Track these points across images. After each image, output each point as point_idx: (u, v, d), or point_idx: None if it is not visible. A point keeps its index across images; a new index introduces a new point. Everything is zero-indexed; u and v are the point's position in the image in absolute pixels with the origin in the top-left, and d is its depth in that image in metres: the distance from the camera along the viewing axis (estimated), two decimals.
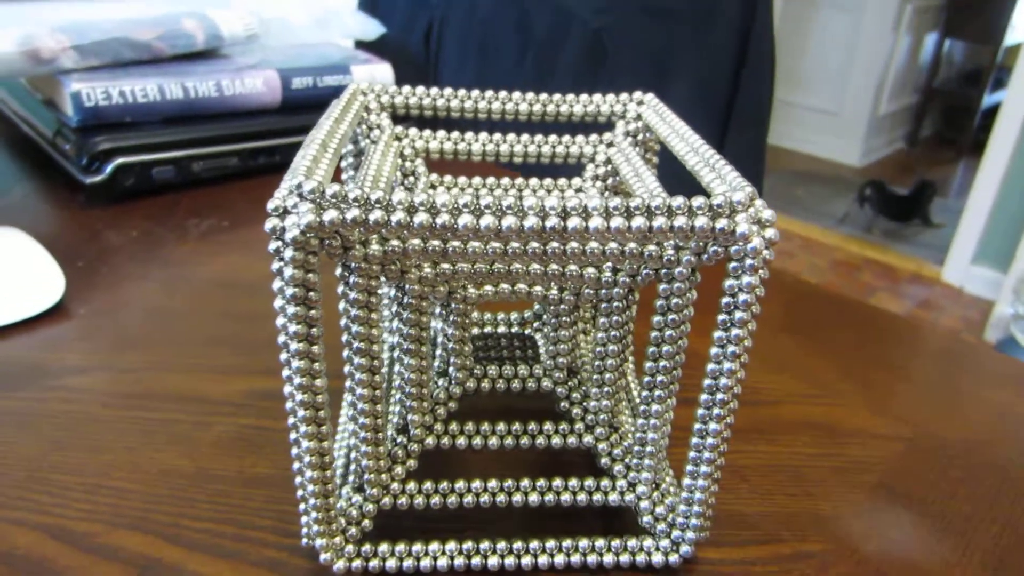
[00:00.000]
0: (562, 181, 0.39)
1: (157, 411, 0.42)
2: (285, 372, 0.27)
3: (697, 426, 0.30)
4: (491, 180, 0.39)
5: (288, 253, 0.25)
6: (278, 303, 0.26)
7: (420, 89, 0.38)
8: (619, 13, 0.82)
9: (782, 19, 3.31)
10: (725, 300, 0.27)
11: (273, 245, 0.25)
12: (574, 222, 0.25)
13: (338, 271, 0.27)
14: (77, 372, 0.45)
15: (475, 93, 0.38)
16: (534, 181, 0.39)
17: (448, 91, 0.38)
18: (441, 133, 0.38)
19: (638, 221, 0.25)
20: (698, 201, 0.25)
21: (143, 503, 0.36)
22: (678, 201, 0.25)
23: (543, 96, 0.39)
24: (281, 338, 0.27)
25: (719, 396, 0.29)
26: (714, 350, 0.28)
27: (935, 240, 2.99)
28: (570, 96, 0.39)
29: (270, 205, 0.25)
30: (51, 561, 0.32)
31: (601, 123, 0.39)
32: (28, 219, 0.62)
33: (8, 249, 0.54)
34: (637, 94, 0.39)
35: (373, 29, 0.92)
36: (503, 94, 0.38)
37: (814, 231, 3.06)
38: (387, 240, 0.27)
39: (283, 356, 0.27)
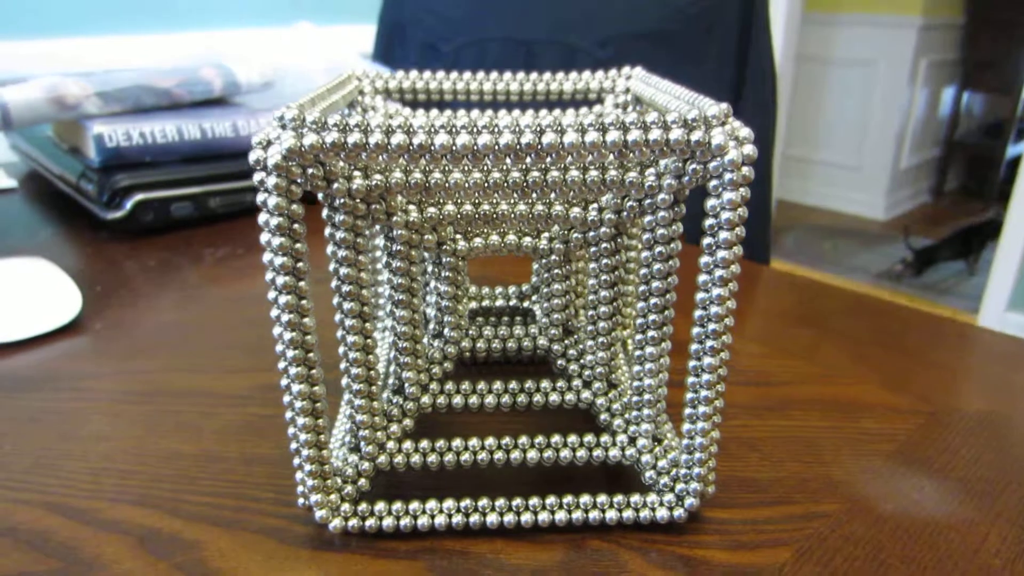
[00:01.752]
0: None
1: (164, 405, 0.42)
2: (274, 312, 0.28)
3: (691, 363, 0.30)
4: None
5: (271, 181, 0.25)
6: (264, 237, 0.27)
7: (413, 73, 0.39)
8: (620, 43, 0.84)
9: (796, 77, 3.35)
10: (708, 222, 0.27)
11: (257, 177, 0.26)
12: (549, 137, 0.25)
13: (324, 212, 0.28)
14: (89, 377, 0.45)
15: (467, 75, 0.40)
16: None
17: (440, 74, 0.40)
18: (434, 112, 0.39)
19: (613, 135, 0.25)
20: (672, 116, 0.26)
21: (146, 482, 0.36)
22: (652, 116, 0.26)
23: (533, 75, 0.40)
24: (268, 275, 0.27)
25: (711, 327, 0.28)
26: (702, 277, 0.28)
27: (968, 289, 2.94)
28: (559, 74, 0.40)
29: (254, 139, 0.26)
30: (54, 533, 0.32)
31: (592, 99, 0.40)
32: (52, 254, 0.63)
33: (30, 273, 0.56)
34: (626, 69, 0.40)
35: None
36: (494, 75, 0.40)
37: (844, 283, 3.03)
38: (370, 175, 0.27)
39: (271, 294, 0.27)
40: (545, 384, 0.33)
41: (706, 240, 0.27)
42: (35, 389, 0.44)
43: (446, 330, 0.33)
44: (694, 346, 0.29)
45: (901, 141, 3.47)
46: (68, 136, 0.76)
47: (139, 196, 0.68)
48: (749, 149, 0.26)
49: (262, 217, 0.26)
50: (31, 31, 1.30)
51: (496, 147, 0.25)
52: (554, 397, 0.33)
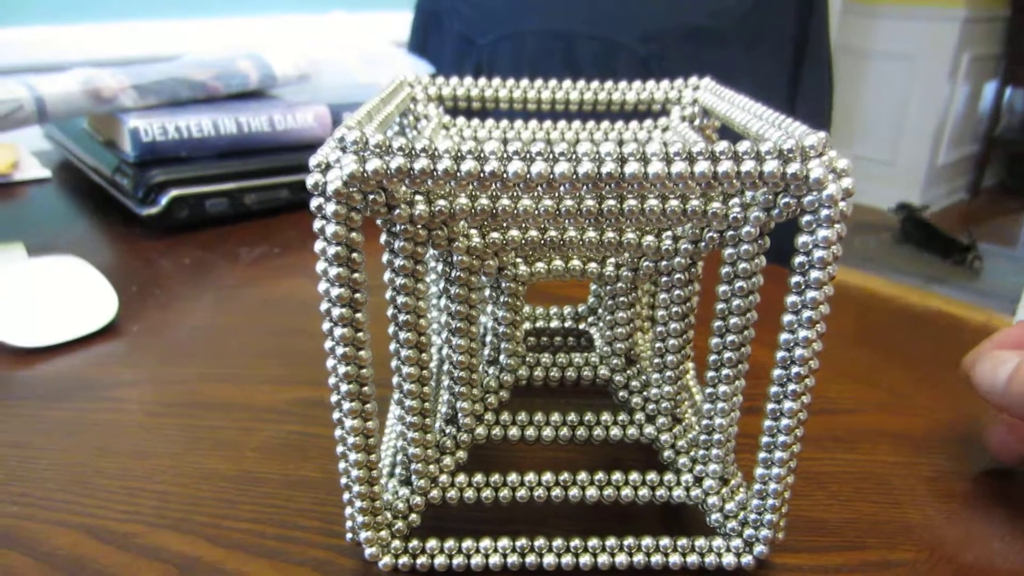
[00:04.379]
0: None
1: (202, 419, 0.41)
2: (328, 343, 0.26)
3: (771, 406, 0.27)
4: None
5: (330, 208, 0.24)
6: (320, 266, 0.25)
7: (468, 80, 0.37)
8: (665, 40, 0.81)
9: (834, 69, 3.29)
10: (799, 259, 0.25)
11: (315, 202, 0.24)
12: (632, 167, 0.23)
13: (383, 238, 0.26)
14: (126, 385, 0.44)
15: (524, 83, 0.38)
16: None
17: (496, 81, 0.38)
18: (490, 122, 0.37)
19: (702, 166, 0.23)
20: (767, 145, 0.24)
21: (185, 504, 0.34)
22: (745, 146, 0.23)
23: (594, 84, 0.37)
24: (324, 305, 0.25)
25: (795, 370, 0.26)
26: (787, 317, 0.26)
27: (1003, 290, 2.88)
28: (622, 83, 0.38)
29: (312, 161, 0.24)
30: (91, 560, 0.31)
31: (655, 111, 0.38)
32: (87, 250, 0.62)
33: (65, 274, 0.55)
34: (693, 79, 0.38)
35: (422, 70, 0.93)
36: (553, 83, 0.37)
37: (876, 282, 2.97)
38: (433, 201, 0.25)
39: (326, 325, 0.26)
40: (606, 417, 0.31)
41: (794, 278, 0.25)
42: (72, 398, 0.42)
43: (502, 357, 0.32)
44: (774, 388, 0.27)
45: (939, 137, 3.39)
46: (103, 128, 0.75)
47: (174, 192, 0.67)
48: (848, 183, 0.24)
49: (318, 245, 0.25)
50: (64, 17, 1.30)
51: (574, 176, 0.23)
52: (615, 431, 0.31)
